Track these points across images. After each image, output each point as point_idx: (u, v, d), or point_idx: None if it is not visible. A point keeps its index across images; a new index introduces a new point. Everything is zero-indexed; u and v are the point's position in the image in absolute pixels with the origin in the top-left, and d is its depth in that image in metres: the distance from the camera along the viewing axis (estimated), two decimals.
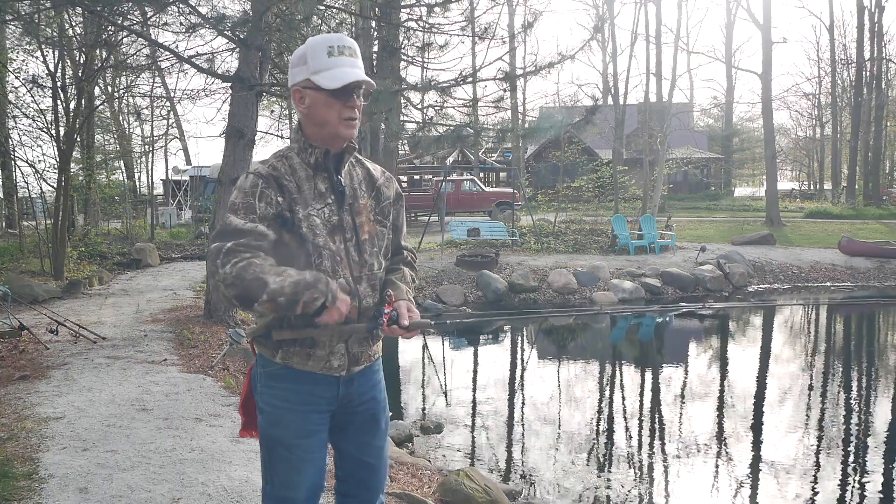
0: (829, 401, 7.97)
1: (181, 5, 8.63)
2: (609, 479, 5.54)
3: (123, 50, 14.28)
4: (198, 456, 4.20)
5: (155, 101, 23.35)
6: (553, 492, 5.32)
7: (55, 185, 12.42)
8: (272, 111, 19.40)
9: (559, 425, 7.08)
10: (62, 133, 12.52)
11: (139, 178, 29.90)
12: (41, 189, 14.45)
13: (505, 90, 9.84)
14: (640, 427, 7.00)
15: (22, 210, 17.46)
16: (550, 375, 9.30)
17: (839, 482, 5.57)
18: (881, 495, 5.28)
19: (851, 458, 6.08)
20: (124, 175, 25.90)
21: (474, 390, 8.39)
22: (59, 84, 12.65)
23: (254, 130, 8.90)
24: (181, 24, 9.14)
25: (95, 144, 19.95)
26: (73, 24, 13.69)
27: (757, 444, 6.45)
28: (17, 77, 13.85)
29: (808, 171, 53.49)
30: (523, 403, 7.88)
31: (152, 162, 28.77)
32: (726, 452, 6.21)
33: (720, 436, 6.65)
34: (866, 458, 6.04)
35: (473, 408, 7.57)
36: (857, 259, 16.15)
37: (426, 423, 6.63)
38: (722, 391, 8.42)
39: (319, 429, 2.10)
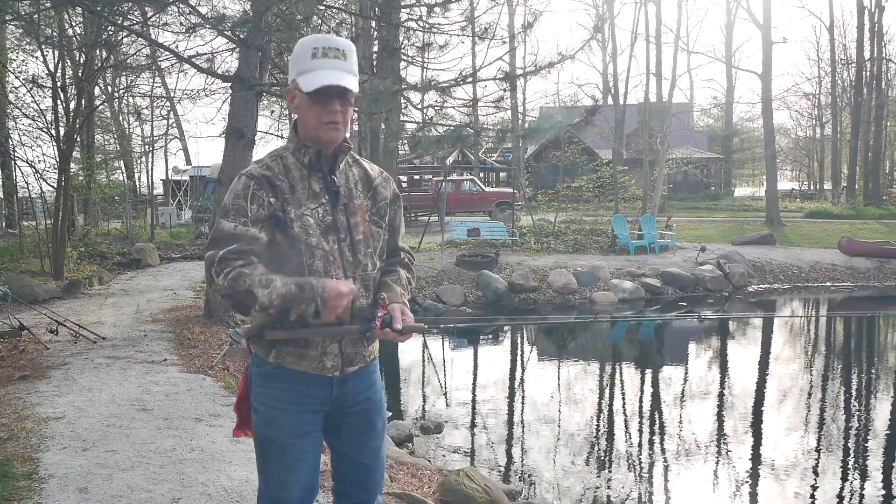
0: (829, 401, 7.97)
1: (181, 5, 8.63)
2: (609, 479, 5.54)
3: (123, 50, 14.28)
4: (198, 456, 4.20)
5: (155, 101, 23.35)
6: (553, 492, 5.32)
7: (55, 185, 12.42)
8: (272, 111, 19.38)
9: (559, 425, 7.08)
10: (62, 133, 12.52)
11: (139, 178, 29.92)
12: (41, 189, 14.45)
13: (505, 90, 9.84)
14: (640, 427, 7.01)
15: (22, 210, 17.46)
16: (550, 375, 9.30)
17: (839, 482, 5.57)
18: (881, 495, 5.28)
19: (851, 458, 6.08)
20: (124, 175, 25.90)
21: (474, 390, 8.39)
22: (59, 84, 12.64)
23: (254, 130, 8.90)
24: (181, 24, 9.14)
25: (95, 144, 19.94)
26: (73, 24, 13.69)
27: (756, 444, 6.45)
28: (17, 77, 13.86)
29: (808, 171, 53.51)
30: (523, 403, 7.89)
31: (152, 162, 28.80)
32: (725, 453, 6.21)
33: (719, 436, 6.65)
34: (866, 459, 6.04)
35: (473, 408, 7.58)
36: (857, 259, 16.16)
37: (426, 423, 6.63)
38: (721, 391, 8.42)
39: (313, 429, 2.10)
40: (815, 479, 5.60)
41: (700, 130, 42.49)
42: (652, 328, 12.49)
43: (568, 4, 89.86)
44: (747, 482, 5.57)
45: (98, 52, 13.04)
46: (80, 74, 13.07)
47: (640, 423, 7.15)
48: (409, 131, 10.07)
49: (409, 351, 10.26)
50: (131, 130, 26.70)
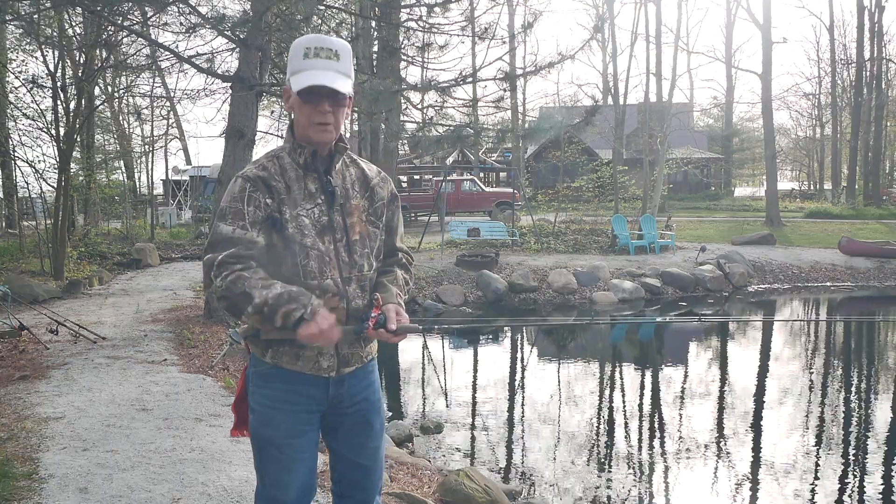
0: (828, 401, 7.97)
1: (181, 5, 8.64)
2: (609, 479, 5.54)
3: (123, 50, 14.29)
4: (198, 456, 4.20)
5: (155, 101, 23.38)
6: (553, 492, 5.32)
7: (55, 185, 12.42)
8: (272, 111, 19.43)
9: (559, 425, 7.08)
10: (62, 133, 12.52)
11: (139, 178, 29.94)
12: (41, 189, 14.45)
13: (505, 90, 9.84)
14: (640, 427, 7.00)
15: (22, 210, 17.46)
16: (550, 375, 9.30)
17: (839, 482, 5.57)
18: (881, 495, 5.28)
19: (850, 458, 6.08)
20: (124, 175, 25.92)
21: (474, 390, 8.39)
22: (59, 84, 12.65)
23: (254, 130, 8.90)
24: (181, 24, 9.15)
25: (95, 144, 19.95)
26: (73, 24, 13.70)
27: (755, 444, 6.45)
28: (17, 77, 13.85)
29: (808, 171, 53.51)
30: (523, 403, 7.89)
31: (152, 162, 28.83)
32: (725, 453, 6.21)
33: (719, 436, 6.65)
34: (866, 459, 6.04)
35: (473, 408, 7.58)
36: (857, 259, 16.16)
37: (426, 423, 6.63)
38: (720, 391, 8.42)
39: (309, 429, 2.10)
40: (815, 479, 5.60)
41: (700, 130, 42.50)
42: (652, 329, 12.48)
43: (568, 4, 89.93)
44: (747, 482, 5.57)
45: (98, 52, 13.05)
46: (80, 74, 13.07)
47: (640, 423, 7.15)
48: (409, 131, 10.08)
49: (409, 351, 10.27)
50: (131, 130, 26.74)
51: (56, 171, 12.40)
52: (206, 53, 9.77)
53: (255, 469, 2.16)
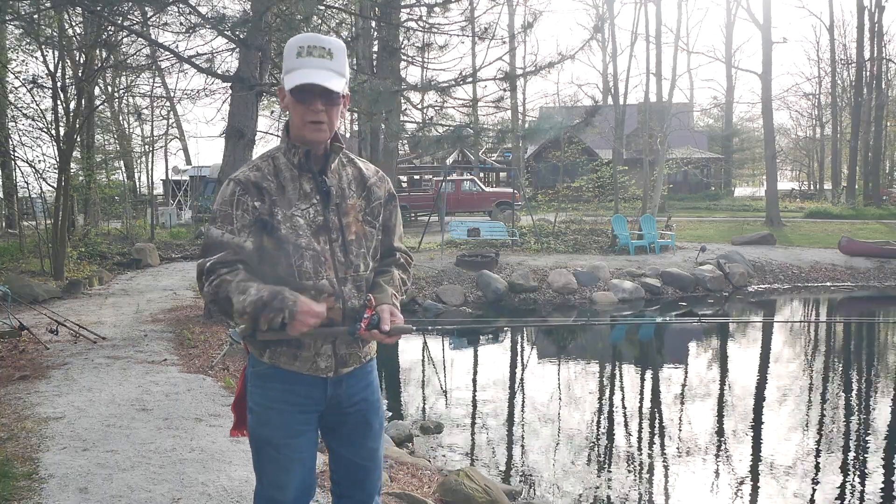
0: (828, 401, 7.97)
1: (181, 5, 8.64)
2: (609, 479, 5.54)
3: (123, 50, 14.28)
4: (198, 456, 4.20)
5: (155, 101, 23.40)
6: (553, 492, 5.32)
7: (55, 185, 12.42)
8: (272, 111, 19.41)
9: (559, 425, 7.08)
10: (62, 133, 12.52)
11: (139, 178, 29.96)
12: (41, 189, 14.45)
13: (505, 90, 9.86)
14: (640, 427, 7.00)
15: (22, 210, 17.46)
16: (550, 375, 9.30)
17: (839, 482, 5.57)
18: (881, 495, 5.28)
19: (850, 459, 6.08)
20: (124, 175, 25.93)
21: (474, 390, 8.39)
22: (59, 84, 12.65)
23: (254, 130, 8.91)
24: (181, 24, 9.16)
25: (95, 144, 19.96)
26: (73, 24, 13.70)
27: (755, 444, 6.45)
28: (17, 77, 13.86)
29: (808, 171, 53.52)
30: (523, 404, 7.88)
31: (152, 162, 28.85)
32: (725, 453, 6.21)
33: (719, 436, 6.65)
34: (866, 459, 6.04)
35: (473, 408, 7.58)
36: (857, 259, 16.16)
37: (426, 423, 6.63)
38: (720, 392, 8.42)
39: (307, 429, 2.10)
40: (814, 479, 5.60)
41: (700, 130, 42.50)
42: (652, 329, 12.48)
43: (568, 4, 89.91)
44: (747, 482, 5.57)
45: (98, 52, 13.05)
46: (80, 74, 13.07)
47: (640, 423, 7.15)
48: (409, 131, 10.09)
49: (409, 351, 10.27)
50: (131, 130, 26.76)
51: (56, 171, 12.40)
52: (206, 53, 9.80)
53: (253, 469, 2.16)
